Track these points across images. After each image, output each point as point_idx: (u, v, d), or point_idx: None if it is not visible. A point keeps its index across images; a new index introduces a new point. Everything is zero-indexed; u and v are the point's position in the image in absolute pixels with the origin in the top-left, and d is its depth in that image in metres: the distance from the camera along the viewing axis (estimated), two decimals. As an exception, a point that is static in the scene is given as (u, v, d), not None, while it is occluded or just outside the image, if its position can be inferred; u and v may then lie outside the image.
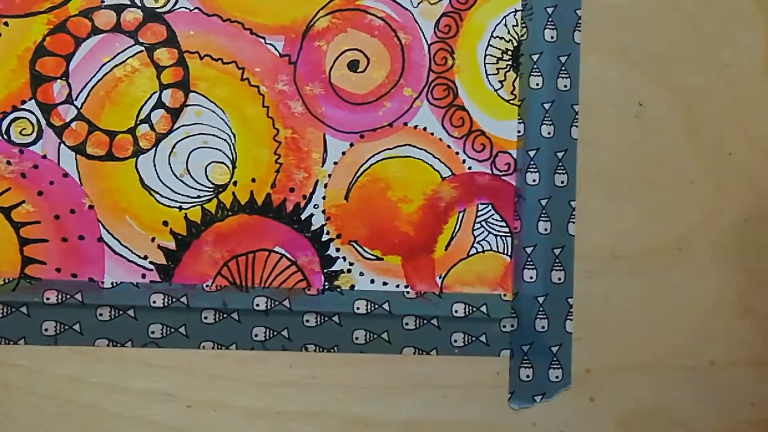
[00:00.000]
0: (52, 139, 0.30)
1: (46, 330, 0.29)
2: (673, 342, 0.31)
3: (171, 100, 0.30)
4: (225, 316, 0.30)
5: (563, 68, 0.31)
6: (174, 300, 0.30)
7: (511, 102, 0.31)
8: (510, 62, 0.31)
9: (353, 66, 0.31)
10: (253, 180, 0.30)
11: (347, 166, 0.31)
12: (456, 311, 0.31)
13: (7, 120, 0.30)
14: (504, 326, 0.31)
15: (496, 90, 0.31)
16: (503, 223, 0.31)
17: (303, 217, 0.30)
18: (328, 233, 0.31)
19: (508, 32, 0.31)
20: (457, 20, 0.31)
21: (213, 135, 0.30)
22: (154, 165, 0.30)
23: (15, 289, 0.29)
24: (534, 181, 0.31)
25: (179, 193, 0.30)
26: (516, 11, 0.31)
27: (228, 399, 0.30)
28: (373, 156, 0.31)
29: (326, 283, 0.30)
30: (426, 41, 0.31)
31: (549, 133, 0.31)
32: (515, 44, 0.31)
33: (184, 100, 0.30)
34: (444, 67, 0.31)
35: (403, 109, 0.31)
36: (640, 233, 0.32)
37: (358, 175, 0.31)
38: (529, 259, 0.31)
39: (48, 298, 0.29)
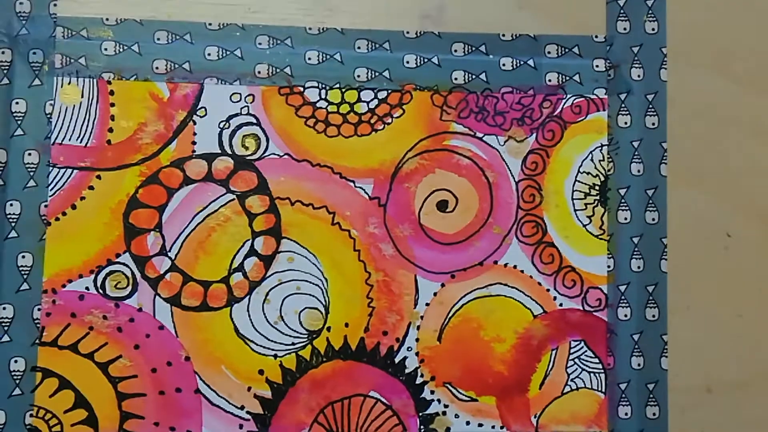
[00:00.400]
0: (147, 291, 0.30)
1: (146, 487, 0.29)
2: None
3: (263, 247, 0.30)
4: (322, 464, 0.30)
5: (651, 201, 0.32)
6: (271, 450, 0.30)
7: (600, 237, 0.31)
8: (597, 197, 0.32)
9: (442, 206, 0.31)
10: (347, 325, 0.30)
11: (439, 307, 0.31)
12: (552, 451, 0.31)
13: (102, 274, 0.30)
14: (601, 466, 0.31)
15: (584, 225, 0.31)
16: (596, 360, 0.31)
17: (397, 360, 0.31)
18: (422, 375, 0.31)
19: (595, 167, 0.32)
20: (544, 157, 0.32)
21: (305, 281, 0.30)
22: (248, 313, 0.30)
23: (114, 445, 0.29)
24: (625, 316, 0.31)
25: (274, 341, 0.30)
26: (602, 146, 0.32)
27: None
28: (464, 296, 0.31)
29: (422, 427, 0.30)
30: (513, 179, 0.31)
31: (639, 267, 0.31)
32: (602, 179, 0.32)
33: (277, 247, 0.30)
34: (532, 204, 0.31)
35: (492, 248, 0.31)
36: (733, 366, 0.32)
37: (450, 315, 0.31)
38: (623, 396, 0.31)
39: (147, 454, 0.29)
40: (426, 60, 0.31)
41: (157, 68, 0.31)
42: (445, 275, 0.31)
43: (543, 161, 0.32)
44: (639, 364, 0.31)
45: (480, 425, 0.31)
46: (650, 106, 0.32)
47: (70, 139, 0.30)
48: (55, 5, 0.30)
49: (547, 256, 0.31)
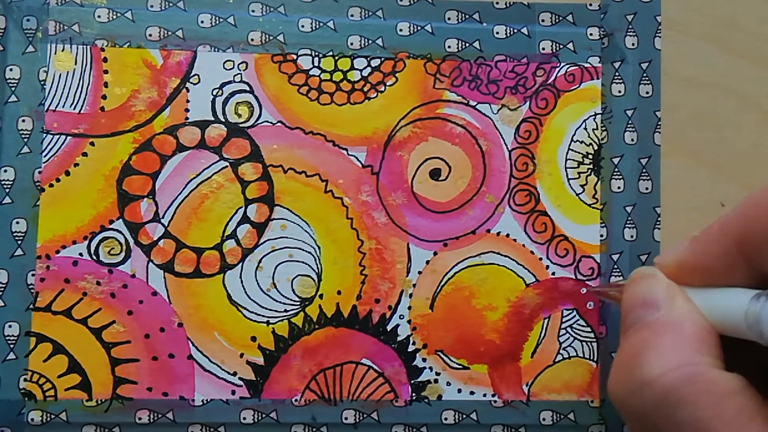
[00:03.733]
0: (140, 257, 0.31)
1: (138, 450, 0.30)
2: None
3: (256, 214, 0.31)
4: (314, 430, 0.31)
5: (644, 171, 0.32)
6: (264, 416, 0.31)
7: (593, 206, 0.32)
8: (591, 166, 0.32)
9: (435, 174, 0.32)
10: (339, 292, 0.31)
11: (431, 276, 0.32)
12: (543, 419, 0.31)
13: (96, 240, 0.31)
14: (592, 433, 0.32)
15: (577, 194, 0.32)
16: (588, 329, 0.32)
17: (389, 328, 0.31)
18: (414, 343, 0.31)
19: (588, 136, 0.32)
20: (537, 125, 0.32)
21: (298, 248, 0.31)
22: (241, 280, 0.31)
23: (108, 410, 0.30)
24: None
25: (266, 308, 0.31)
26: (596, 114, 0.32)
27: None
28: (456, 264, 0.32)
29: (414, 394, 0.31)
30: (507, 147, 0.32)
31: (632, 237, 0.32)
32: (596, 148, 0.32)
33: (269, 215, 0.31)
34: (525, 172, 0.32)
35: (485, 216, 0.32)
36: (726, 335, 0.32)
37: (442, 284, 0.32)
38: (615, 365, 0.32)
39: (140, 418, 0.30)
40: (419, 28, 0.32)
41: (150, 35, 0.31)
42: (437, 243, 0.32)
43: (536, 130, 0.32)
44: (631, 333, 0.32)
45: (471, 393, 0.31)
46: (644, 74, 0.32)
47: (63, 106, 0.31)
48: (48, -28, 0.31)
49: (539, 224, 0.32)
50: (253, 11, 0.32)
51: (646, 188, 0.32)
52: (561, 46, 0.32)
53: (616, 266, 0.32)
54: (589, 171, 0.32)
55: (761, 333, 0.22)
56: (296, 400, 0.31)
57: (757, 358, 0.24)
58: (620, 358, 0.25)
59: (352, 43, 0.32)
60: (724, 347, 0.24)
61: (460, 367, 0.32)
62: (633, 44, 0.33)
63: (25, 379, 0.30)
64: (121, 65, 0.31)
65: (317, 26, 0.32)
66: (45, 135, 0.31)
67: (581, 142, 0.33)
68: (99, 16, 0.31)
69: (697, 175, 0.33)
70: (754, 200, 0.23)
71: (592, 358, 0.32)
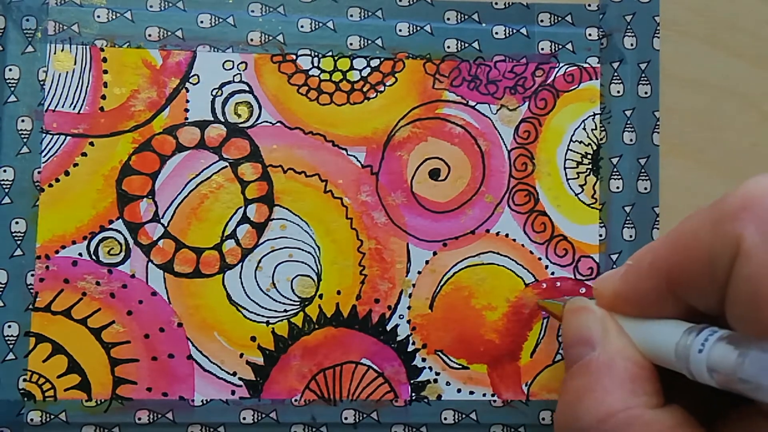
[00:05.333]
0: (140, 258, 0.31)
1: (138, 450, 0.31)
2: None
3: (256, 214, 0.32)
4: (314, 430, 0.31)
5: (643, 171, 0.33)
6: (264, 416, 0.31)
7: (592, 206, 0.33)
8: (590, 166, 0.33)
9: (434, 174, 0.32)
10: (339, 292, 0.32)
11: (431, 275, 0.32)
12: (543, 419, 0.32)
13: (96, 240, 0.31)
14: (593, 434, 0.32)
15: (576, 194, 0.33)
16: (588, 329, 0.32)
17: (388, 328, 0.32)
18: (413, 343, 0.32)
19: (587, 136, 0.33)
20: (536, 125, 0.33)
21: (298, 248, 0.32)
22: (241, 280, 0.31)
23: (107, 410, 0.31)
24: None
25: (266, 308, 0.31)
26: (594, 115, 0.33)
27: None
28: (456, 264, 0.32)
29: (413, 394, 0.32)
30: (506, 147, 0.33)
31: (631, 236, 0.32)
32: (594, 148, 0.33)
33: (269, 215, 0.32)
34: (524, 172, 0.33)
35: (484, 216, 0.32)
36: (725, 335, 0.33)
37: (441, 283, 0.32)
38: (614, 364, 0.32)
39: (140, 418, 0.31)
40: (419, 28, 0.33)
41: (149, 35, 0.32)
42: (437, 243, 0.32)
43: (535, 130, 0.33)
44: (630, 333, 0.32)
45: (471, 393, 0.32)
46: (643, 74, 0.33)
47: (63, 106, 0.31)
48: (47, -28, 0.31)
49: (539, 224, 0.33)
50: (252, 11, 0.32)
51: (645, 188, 0.33)
52: (560, 47, 0.33)
53: (615, 266, 0.33)
54: (588, 171, 0.33)
55: (689, 368, 0.22)
56: (296, 400, 0.31)
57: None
58: (562, 402, 0.26)
59: (351, 44, 0.33)
60: (668, 373, 0.25)
61: (460, 366, 0.32)
62: (632, 44, 0.33)
63: (25, 380, 0.31)
64: (121, 65, 0.32)
65: (317, 26, 0.32)
66: (44, 135, 0.31)
67: (580, 142, 0.33)
68: (98, 16, 0.32)
69: (695, 176, 0.33)
70: (681, 234, 0.24)
71: (591, 357, 0.32)
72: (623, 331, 0.26)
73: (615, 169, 0.33)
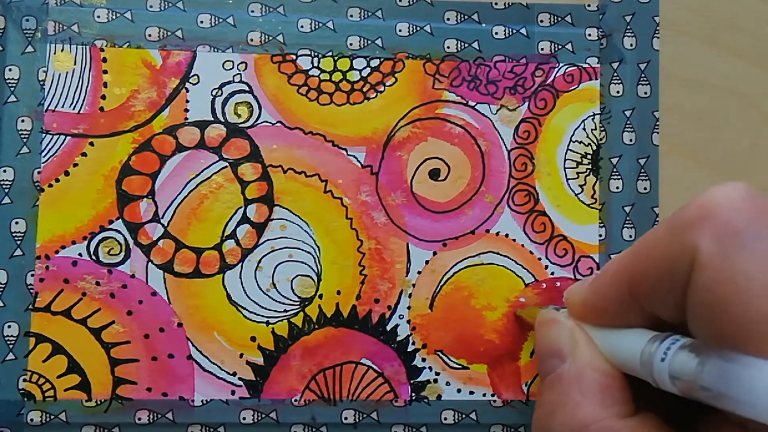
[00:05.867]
0: (139, 258, 0.31)
1: (138, 450, 0.31)
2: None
3: (256, 214, 0.32)
4: (314, 430, 0.31)
5: (643, 171, 0.33)
6: (264, 416, 0.31)
7: (591, 206, 0.33)
8: (590, 166, 0.33)
9: (434, 175, 0.32)
10: (339, 292, 0.32)
11: (431, 275, 0.32)
12: (543, 419, 0.32)
13: (96, 240, 0.31)
14: (593, 434, 0.32)
15: (576, 194, 0.33)
16: (587, 329, 0.32)
17: (388, 328, 0.32)
18: (413, 343, 0.32)
19: (587, 136, 0.33)
20: (536, 125, 0.33)
21: (298, 248, 0.32)
22: (241, 280, 0.31)
23: (107, 410, 0.31)
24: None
25: (266, 308, 0.31)
26: (594, 115, 0.33)
27: None
28: (456, 264, 0.32)
29: (413, 394, 0.32)
30: (506, 147, 0.33)
31: (630, 237, 0.33)
32: (594, 148, 0.33)
33: (269, 215, 0.32)
34: (524, 172, 0.33)
35: (484, 216, 0.32)
36: (725, 335, 0.33)
37: (441, 283, 0.32)
38: (614, 364, 0.32)
39: (140, 419, 0.31)
40: (418, 28, 0.33)
41: (149, 35, 0.32)
42: (437, 243, 0.32)
43: (535, 130, 0.33)
44: (630, 333, 0.32)
45: (471, 393, 0.32)
46: (643, 75, 0.33)
47: (63, 106, 0.31)
48: (47, -28, 0.32)
49: (538, 224, 0.33)
50: (252, 11, 0.32)
51: (645, 188, 0.33)
52: (560, 47, 0.33)
53: (614, 266, 0.33)
54: (588, 171, 0.33)
55: (652, 376, 0.23)
56: (296, 400, 0.31)
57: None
58: (536, 416, 0.27)
59: (351, 44, 0.33)
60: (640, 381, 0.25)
61: (460, 367, 0.32)
62: (631, 45, 0.33)
63: (25, 380, 0.31)
64: (121, 65, 0.32)
65: (316, 26, 0.33)
66: (44, 135, 0.31)
67: (580, 142, 0.33)
68: (98, 17, 0.32)
69: (695, 176, 0.34)
70: (642, 243, 0.24)
71: (591, 357, 0.33)
72: (592, 341, 0.26)
73: (615, 169, 0.33)
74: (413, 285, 0.32)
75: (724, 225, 0.21)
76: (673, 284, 0.22)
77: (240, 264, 0.32)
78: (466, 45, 0.33)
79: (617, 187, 0.33)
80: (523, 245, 0.33)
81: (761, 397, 0.19)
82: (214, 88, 0.32)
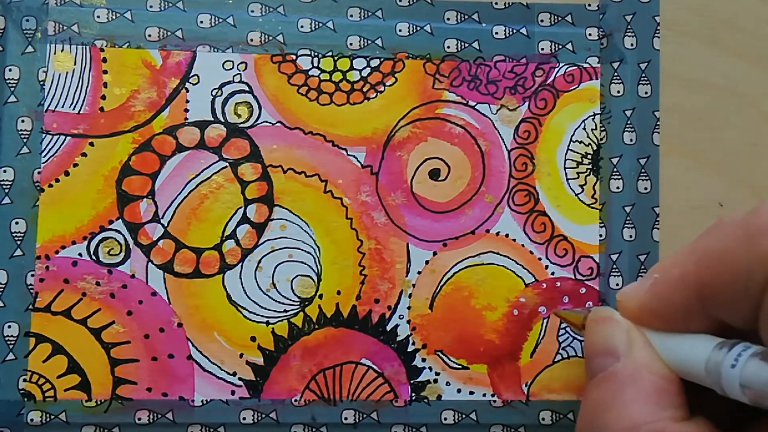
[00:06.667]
0: (139, 258, 0.31)
1: (138, 450, 0.31)
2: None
3: (256, 215, 0.32)
4: (314, 430, 0.31)
5: (643, 171, 0.33)
6: (264, 416, 0.31)
7: (592, 206, 0.33)
8: (590, 166, 0.33)
9: (434, 175, 0.33)
10: (339, 292, 0.32)
11: (431, 276, 0.32)
12: (543, 419, 0.32)
13: (96, 240, 0.31)
14: (593, 434, 0.32)
15: (576, 194, 0.33)
16: (588, 329, 0.32)
17: (388, 328, 0.32)
18: (413, 343, 0.32)
19: (587, 136, 0.33)
20: (537, 125, 0.33)
21: (298, 248, 0.32)
22: (241, 281, 0.32)
23: (107, 410, 0.31)
24: (617, 285, 0.33)
25: (266, 308, 0.32)
26: (594, 115, 0.33)
27: None
28: (456, 264, 0.32)
29: (413, 394, 0.32)
30: (506, 147, 0.33)
31: (631, 236, 0.33)
32: (595, 148, 0.33)
33: (269, 215, 0.32)
34: (524, 172, 0.33)
35: (484, 216, 0.33)
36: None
37: (441, 284, 0.32)
38: (614, 364, 0.32)
39: (140, 419, 0.31)
40: (418, 28, 0.33)
41: (149, 36, 0.32)
42: (437, 243, 0.32)
43: (535, 130, 0.33)
44: (630, 333, 0.32)
45: (471, 393, 0.32)
46: (643, 74, 0.33)
47: (63, 106, 0.32)
48: (47, -28, 0.32)
49: (539, 224, 0.33)
50: (252, 11, 0.33)
51: (645, 188, 0.33)
52: (560, 47, 0.33)
53: (615, 266, 0.33)
54: (588, 171, 0.33)
55: (720, 383, 0.23)
56: (296, 400, 0.32)
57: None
58: (584, 412, 0.26)
59: (351, 44, 0.33)
60: (693, 385, 0.25)
61: (460, 367, 0.32)
62: (632, 44, 0.33)
63: (25, 380, 0.31)
64: (121, 65, 0.32)
65: (316, 26, 0.33)
66: (44, 135, 0.31)
67: (580, 142, 0.33)
68: (98, 17, 0.32)
69: (695, 175, 0.34)
70: (712, 249, 0.24)
71: (591, 357, 0.33)
72: (649, 343, 0.26)
73: (615, 169, 0.33)
74: (413, 285, 0.32)
75: None
76: (748, 292, 0.22)
77: (240, 264, 0.32)
78: (466, 45, 0.33)
79: (617, 187, 0.33)
80: (523, 245, 0.33)
81: None
82: (214, 88, 0.32)
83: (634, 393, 0.25)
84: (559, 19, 0.33)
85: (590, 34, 0.33)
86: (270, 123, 0.32)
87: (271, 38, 0.33)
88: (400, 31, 0.33)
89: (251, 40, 0.33)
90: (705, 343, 0.24)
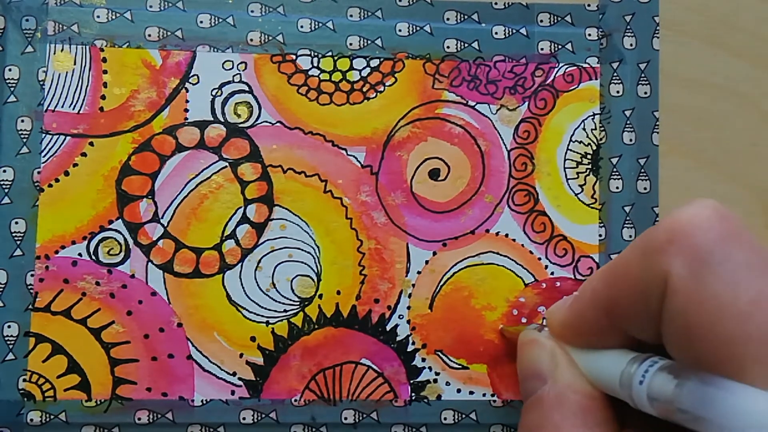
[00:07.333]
0: (139, 258, 0.31)
1: (138, 450, 0.31)
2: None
3: (256, 214, 0.32)
4: (314, 430, 0.31)
5: (643, 171, 0.33)
6: (263, 416, 0.31)
7: (591, 206, 0.33)
8: (590, 166, 0.33)
9: (434, 174, 0.33)
10: (339, 292, 0.32)
11: (431, 275, 0.32)
12: (543, 419, 0.32)
13: (95, 240, 0.31)
14: (593, 434, 0.32)
15: (576, 194, 0.33)
16: (587, 329, 0.32)
17: (388, 328, 0.32)
18: (413, 343, 0.32)
19: (587, 136, 0.33)
20: (536, 125, 0.33)
21: (298, 248, 0.32)
22: (241, 280, 0.32)
23: (107, 410, 0.31)
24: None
25: (266, 308, 0.32)
26: (594, 115, 0.33)
27: None
28: (455, 264, 0.32)
29: (413, 394, 0.32)
30: (505, 147, 0.33)
31: (630, 236, 0.33)
32: (594, 148, 0.33)
33: (269, 215, 0.32)
34: (524, 172, 0.33)
35: (484, 216, 0.33)
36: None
37: (441, 283, 0.32)
38: (614, 364, 0.32)
39: (139, 419, 0.31)
40: (418, 28, 0.33)
41: (149, 35, 0.32)
42: (437, 243, 0.33)
43: (535, 130, 0.33)
44: (630, 333, 0.32)
45: (471, 393, 0.32)
46: (642, 74, 0.33)
47: (62, 106, 0.32)
48: (47, -28, 0.32)
49: (538, 224, 0.33)
50: (252, 11, 0.33)
51: (645, 188, 0.33)
52: (559, 47, 0.33)
53: (614, 266, 0.33)
54: (588, 171, 0.33)
55: (631, 396, 0.23)
56: (296, 400, 0.32)
57: None
58: None
59: (351, 44, 0.33)
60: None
61: (460, 366, 0.32)
62: (631, 45, 0.34)
63: (25, 380, 0.31)
64: (121, 65, 0.32)
65: (316, 26, 0.33)
66: (44, 135, 0.32)
67: (580, 142, 0.33)
68: (98, 17, 0.32)
69: (695, 175, 0.34)
70: (615, 266, 0.24)
71: (591, 357, 0.33)
72: (573, 362, 0.26)
73: (615, 169, 0.33)
74: (413, 285, 0.33)
75: (693, 247, 0.21)
76: (648, 309, 0.22)
77: (240, 264, 0.32)
78: (466, 45, 0.33)
79: (617, 187, 0.33)
80: (523, 245, 0.33)
81: (737, 420, 0.19)
82: (214, 88, 0.32)
83: (561, 415, 0.25)
84: (559, 19, 0.33)
85: (590, 35, 0.33)
86: (270, 123, 0.32)
87: (270, 38, 0.33)
88: (399, 31, 0.33)
89: (251, 40, 0.33)
90: (620, 358, 0.24)
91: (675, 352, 0.22)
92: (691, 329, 0.21)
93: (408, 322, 0.32)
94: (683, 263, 0.21)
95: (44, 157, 0.32)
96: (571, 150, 0.33)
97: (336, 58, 0.33)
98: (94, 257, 0.31)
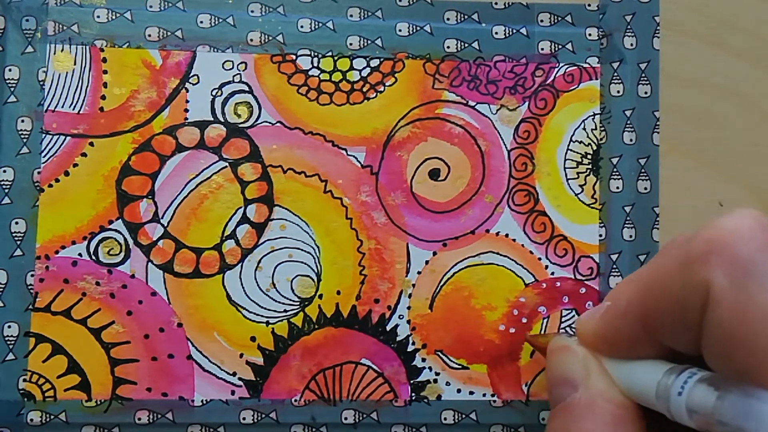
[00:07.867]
0: (139, 258, 0.31)
1: (138, 450, 0.31)
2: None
3: (256, 215, 0.32)
4: (314, 430, 0.31)
5: (643, 171, 0.33)
6: (264, 416, 0.31)
7: (592, 206, 0.33)
8: (590, 166, 0.33)
9: (434, 175, 0.33)
10: (339, 292, 0.32)
11: (431, 276, 0.32)
12: (543, 419, 0.32)
13: (95, 240, 0.31)
14: (593, 435, 0.32)
15: (576, 194, 0.33)
16: (588, 329, 0.33)
17: (388, 328, 0.32)
18: (413, 343, 0.32)
19: (587, 136, 0.33)
20: (536, 125, 0.33)
21: (298, 248, 0.32)
22: (241, 281, 0.32)
23: (107, 410, 0.31)
24: (617, 285, 0.32)
25: (266, 308, 0.32)
26: (594, 115, 0.33)
27: None
28: (456, 264, 0.32)
29: (413, 394, 0.32)
30: (506, 147, 0.33)
31: (631, 236, 0.33)
32: (594, 148, 0.33)
33: (269, 215, 0.32)
34: (524, 172, 0.33)
35: (484, 216, 0.33)
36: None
37: (441, 284, 0.32)
38: (614, 364, 0.32)
39: (140, 419, 0.31)
40: (418, 28, 0.33)
41: (149, 36, 0.32)
42: (437, 243, 0.33)
43: (535, 130, 0.33)
44: (630, 333, 0.32)
45: (471, 393, 0.32)
46: (643, 74, 0.33)
47: (63, 106, 0.32)
48: (47, -28, 0.32)
49: (539, 224, 0.33)
50: (252, 11, 0.33)
51: (645, 188, 0.33)
52: (560, 47, 0.33)
53: (615, 266, 0.33)
54: (588, 171, 0.33)
55: (669, 409, 0.23)
56: (296, 401, 0.32)
57: None
58: None
59: (351, 44, 0.33)
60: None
61: (460, 367, 0.32)
62: (631, 44, 0.34)
63: (25, 380, 0.31)
64: (121, 65, 0.32)
65: (316, 26, 0.33)
66: (44, 135, 0.32)
67: (580, 142, 0.33)
68: (98, 17, 0.32)
69: (695, 175, 0.34)
70: (652, 276, 0.24)
71: (591, 357, 0.33)
72: (605, 371, 0.26)
73: (615, 169, 0.33)
74: (413, 285, 0.33)
75: (735, 258, 0.21)
76: (688, 320, 0.22)
77: (240, 264, 0.32)
78: (466, 45, 0.33)
79: (617, 187, 0.33)
80: (523, 245, 0.33)
81: None
82: (214, 88, 0.32)
83: (591, 423, 0.25)
84: (559, 19, 0.33)
85: (590, 34, 0.34)
86: (270, 123, 0.33)
87: (270, 38, 0.33)
88: (399, 31, 0.33)
89: (251, 40, 0.33)
90: (656, 369, 0.24)
91: (715, 364, 0.22)
92: (733, 340, 0.21)
93: (408, 322, 0.32)
94: (725, 274, 0.21)
95: (44, 157, 0.32)
96: (571, 150, 0.33)
97: (336, 58, 0.33)
98: (94, 257, 0.32)
